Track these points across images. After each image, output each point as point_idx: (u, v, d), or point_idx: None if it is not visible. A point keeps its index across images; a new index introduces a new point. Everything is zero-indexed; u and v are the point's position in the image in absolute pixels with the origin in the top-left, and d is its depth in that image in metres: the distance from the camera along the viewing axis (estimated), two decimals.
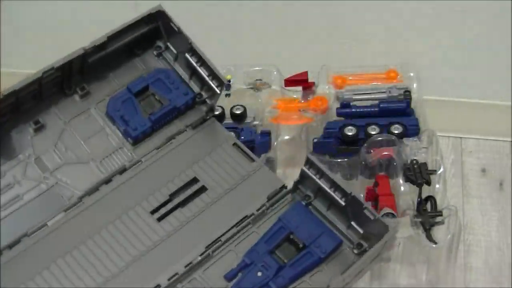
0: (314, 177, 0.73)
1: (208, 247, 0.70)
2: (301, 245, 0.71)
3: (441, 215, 0.87)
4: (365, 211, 0.69)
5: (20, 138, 0.73)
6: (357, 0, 1.12)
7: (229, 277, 0.69)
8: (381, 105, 0.95)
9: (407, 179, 0.88)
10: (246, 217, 0.73)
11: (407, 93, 0.96)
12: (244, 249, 0.71)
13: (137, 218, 0.71)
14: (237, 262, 0.70)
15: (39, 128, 0.74)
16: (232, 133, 0.84)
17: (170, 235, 0.71)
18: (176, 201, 0.73)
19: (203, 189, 0.74)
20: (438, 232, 0.87)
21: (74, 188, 0.72)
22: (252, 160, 0.78)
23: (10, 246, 0.67)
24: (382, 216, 0.95)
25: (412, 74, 1.00)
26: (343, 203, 0.71)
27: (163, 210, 0.72)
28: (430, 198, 0.88)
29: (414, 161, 0.88)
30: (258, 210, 0.73)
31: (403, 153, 0.89)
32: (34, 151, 0.73)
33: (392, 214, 0.87)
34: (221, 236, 0.71)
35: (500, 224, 1.12)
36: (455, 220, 0.86)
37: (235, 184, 0.75)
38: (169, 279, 0.67)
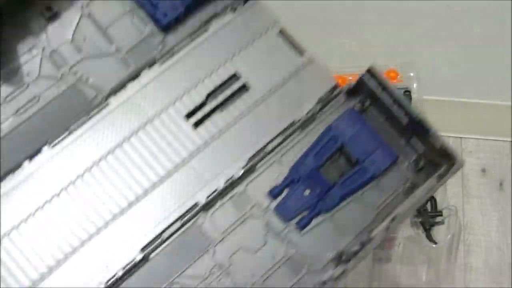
0: (375, 90, 0.63)
1: (251, 159, 0.62)
2: (353, 161, 0.63)
3: (441, 215, 0.87)
4: (431, 138, 0.61)
5: (32, 29, 0.64)
6: (357, 0, 1.12)
7: (273, 194, 0.62)
8: None
9: None
10: (293, 123, 0.63)
11: (407, 93, 0.96)
12: (290, 161, 0.63)
13: (170, 123, 0.61)
14: (282, 176, 0.62)
15: (53, 16, 0.64)
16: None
17: (208, 144, 0.61)
18: (214, 103, 0.63)
19: (244, 88, 0.64)
20: (438, 232, 0.87)
21: (97, 86, 0.62)
22: (302, 52, 0.66)
23: (31, 157, 0.60)
24: None
25: (412, 74, 1.00)
26: (405, 121, 0.62)
27: (200, 114, 0.62)
28: (430, 198, 0.88)
29: None
30: (307, 114, 0.64)
31: None
32: (48, 44, 0.63)
33: None
34: (266, 145, 0.62)
35: (500, 224, 1.12)
36: (455, 220, 0.86)
37: (281, 83, 0.64)
38: (208, 197, 0.60)
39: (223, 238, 0.60)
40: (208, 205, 0.60)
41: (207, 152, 0.61)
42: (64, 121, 0.61)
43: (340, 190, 0.62)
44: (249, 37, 0.66)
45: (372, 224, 0.60)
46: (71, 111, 0.62)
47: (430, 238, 0.85)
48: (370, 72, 0.63)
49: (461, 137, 1.23)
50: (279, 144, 0.62)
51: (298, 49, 0.66)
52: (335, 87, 0.65)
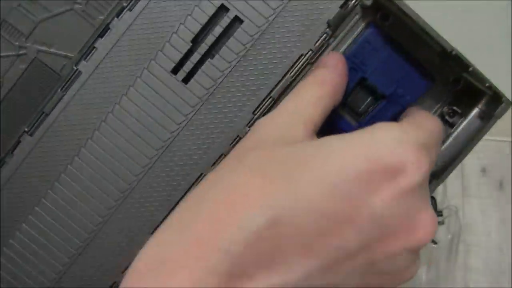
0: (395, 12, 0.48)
1: (254, 112, 0.52)
2: (379, 94, 0.50)
3: (441, 215, 0.87)
4: (470, 75, 0.48)
5: None
6: None
7: None
8: None
9: None
10: (301, 56, 0.50)
11: None
12: None
13: (155, 84, 0.52)
14: None
15: None
16: None
17: (203, 102, 0.53)
18: (204, 47, 0.51)
19: (237, 21, 0.52)
20: (438, 232, 0.87)
21: (62, 53, 0.53)
22: None
23: (13, 151, 0.52)
24: None
25: None
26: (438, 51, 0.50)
27: (189, 66, 0.52)
28: (430, 198, 0.88)
29: None
30: (316, 43, 0.50)
31: None
32: None
33: None
34: (269, 93, 0.51)
35: (500, 224, 1.12)
36: (455, 220, 0.86)
37: (279, 5, 0.51)
38: (213, 164, 0.53)
39: None
40: None
41: (202, 112, 0.53)
42: (37, 103, 0.52)
43: None
44: None
45: None
46: (41, 90, 0.52)
47: None
48: None
49: None
50: (284, 90, 0.51)
51: None
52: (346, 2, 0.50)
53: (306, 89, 0.45)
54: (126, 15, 0.50)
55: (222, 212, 0.35)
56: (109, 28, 0.50)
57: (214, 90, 0.51)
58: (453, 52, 0.50)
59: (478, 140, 0.49)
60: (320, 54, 0.50)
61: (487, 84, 0.49)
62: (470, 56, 1.25)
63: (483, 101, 0.50)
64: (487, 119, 0.49)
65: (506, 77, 1.19)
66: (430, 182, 0.48)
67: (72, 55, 0.52)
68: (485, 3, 1.10)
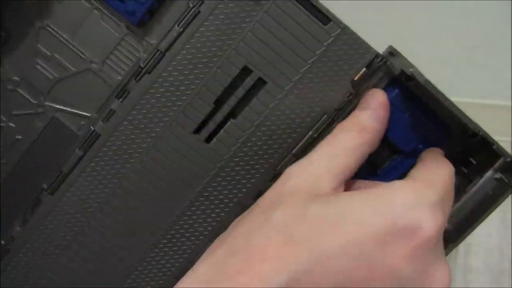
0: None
1: (277, 168, 0.50)
2: (396, 149, 0.49)
3: None
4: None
5: None
6: (356, 0, 1.12)
7: None
8: None
9: None
10: (324, 115, 0.49)
11: None
12: None
13: (177, 144, 0.50)
14: None
15: (5, 39, 0.49)
16: None
17: (227, 160, 0.51)
18: (226, 108, 0.50)
19: (260, 82, 0.50)
20: None
21: (80, 113, 0.52)
22: (326, 21, 0.51)
23: (33, 209, 0.52)
24: None
25: None
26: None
27: (211, 126, 0.50)
28: None
29: None
30: (340, 102, 0.49)
31: None
32: (8, 75, 0.51)
33: None
34: (292, 149, 0.49)
35: (500, 224, 1.12)
36: None
37: (304, 67, 0.49)
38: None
39: None
40: None
41: (224, 170, 0.51)
42: (55, 161, 0.52)
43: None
44: (252, 14, 0.48)
45: None
46: (59, 148, 0.52)
47: None
48: (393, 55, 0.50)
49: None
50: (306, 148, 0.50)
51: (321, 17, 0.51)
52: (373, 61, 0.51)
53: (343, 136, 0.44)
54: (145, 78, 0.49)
55: (246, 269, 0.37)
56: (127, 91, 0.49)
57: (237, 149, 0.50)
58: (480, 133, 0.49)
59: (494, 207, 0.49)
60: (343, 113, 0.50)
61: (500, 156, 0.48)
62: (470, 56, 1.25)
63: (498, 162, 0.49)
64: (504, 185, 0.49)
65: (506, 77, 1.19)
66: (446, 246, 0.48)
67: (90, 115, 0.51)
68: (485, 3, 1.10)
